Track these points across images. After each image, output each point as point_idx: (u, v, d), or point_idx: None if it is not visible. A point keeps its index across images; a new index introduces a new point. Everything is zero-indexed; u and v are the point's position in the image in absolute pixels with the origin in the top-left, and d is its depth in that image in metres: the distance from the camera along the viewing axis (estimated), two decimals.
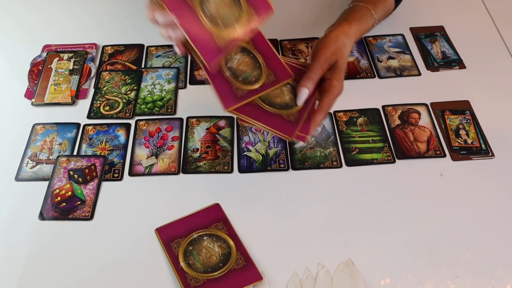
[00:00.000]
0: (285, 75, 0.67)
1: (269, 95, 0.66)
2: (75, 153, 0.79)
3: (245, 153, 0.78)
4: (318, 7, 1.00)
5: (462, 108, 0.83)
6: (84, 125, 0.82)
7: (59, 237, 0.69)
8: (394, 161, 0.77)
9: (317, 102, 0.69)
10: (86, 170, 0.75)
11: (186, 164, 0.77)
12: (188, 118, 0.83)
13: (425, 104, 0.84)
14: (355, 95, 0.85)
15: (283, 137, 0.66)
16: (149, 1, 0.58)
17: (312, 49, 0.72)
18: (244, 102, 0.65)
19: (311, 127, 0.67)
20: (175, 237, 0.68)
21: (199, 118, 0.83)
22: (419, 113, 0.83)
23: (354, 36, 0.76)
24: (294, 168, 0.76)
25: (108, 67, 0.91)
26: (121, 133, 0.81)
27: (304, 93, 0.67)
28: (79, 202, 0.72)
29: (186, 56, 0.63)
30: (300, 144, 0.78)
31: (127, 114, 0.83)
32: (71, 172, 0.75)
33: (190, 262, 0.66)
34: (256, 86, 0.66)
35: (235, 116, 0.82)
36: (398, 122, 0.82)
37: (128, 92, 0.87)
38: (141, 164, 0.77)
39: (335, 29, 0.74)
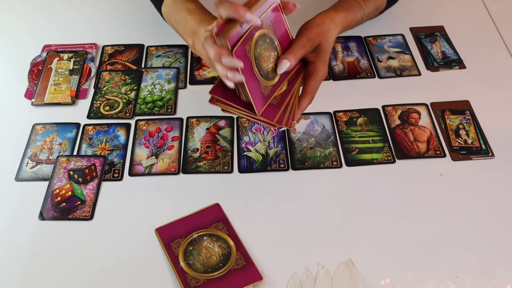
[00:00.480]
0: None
1: (260, 56, 0.64)
2: (75, 153, 0.79)
3: (245, 153, 0.78)
4: (318, 7, 1.00)
5: (462, 108, 0.83)
6: (84, 125, 0.82)
7: (59, 237, 0.69)
8: (394, 161, 0.77)
9: (301, 88, 0.70)
10: (86, 170, 0.75)
11: (186, 164, 0.77)
12: (188, 118, 0.83)
13: (425, 104, 0.84)
14: (355, 95, 0.85)
15: (266, 123, 0.66)
16: (211, 39, 0.60)
17: (298, 30, 0.71)
18: (269, 102, 0.66)
19: (297, 112, 0.68)
20: (175, 237, 0.68)
21: (199, 118, 0.83)
22: (419, 113, 0.83)
23: (341, 24, 0.76)
24: (294, 168, 0.76)
25: (108, 67, 0.91)
26: (121, 133, 0.81)
27: (284, 64, 0.66)
28: (79, 202, 0.72)
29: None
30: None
31: (127, 114, 0.83)
32: (71, 172, 0.75)
33: (190, 262, 0.66)
34: (276, 80, 0.67)
35: (235, 116, 0.82)
36: (398, 122, 0.82)
37: (128, 92, 0.87)
38: (141, 164, 0.77)
39: (321, 14, 0.75)
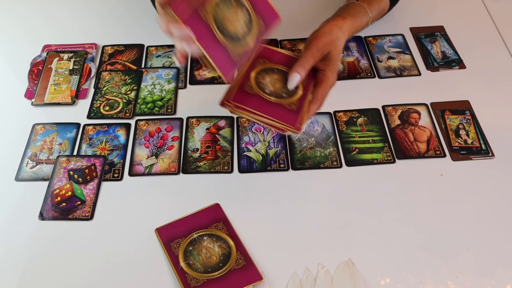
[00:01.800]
0: (273, 17, 0.65)
1: (224, 19, 0.61)
2: (75, 153, 0.79)
3: (245, 153, 0.78)
4: (318, 7, 1.00)
5: (462, 108, 0.83)
6: (84, 125, 0.82)
7: (59, 237, 0.69)
8: (394, 161, 0.77)
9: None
10: (86, 170, 0.75)
11: (186, 164, 0.77)
12: (188, 118, 0.83)
13: (425, 104, 0.84)
14: (355, 95, 0.85)
15: (286, 127, 0.66)
16: (162, 12, 0.57)
17: (306, 41, 0.73)
18: (245, 66, 0.65)
19: (305, 118, 0.68)
20: (175, 237, 0.68)
21: (199, 118, 0.83)
22: (419, 113, 0.83)
23: (348, 31, 0.77)
24: (294, 168, 0.76)
25: (108, 67, 0.91)
26: (121, 133, 0.81)
27: (295, 78, 0.68)
28: (79, 202, 0.72)
29: (185, 66, 0.64)
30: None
31: (127, 114, 0.83)
32: (71, 172, 0.75)
33: (190, 262, 0.66)
34: (249, 42, 0.63)
35: (235, 116, 0.82)
36: (398, 122, 0.82)
37: (128, 92, 0.87)
38: (141, 164, 0.77)
39: (329, 23, 0.76)
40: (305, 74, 0.68)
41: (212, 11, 0.59)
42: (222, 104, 0.67)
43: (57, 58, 0.92)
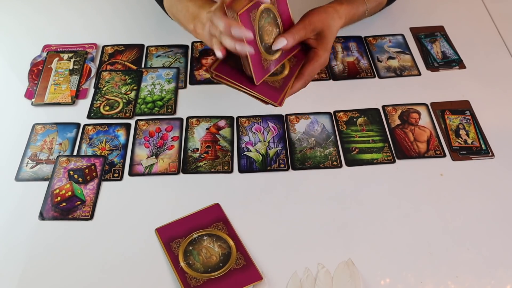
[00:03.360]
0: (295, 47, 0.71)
1: (263, 28, 0.66)
2: (75, 153, 0.79)
3: (245, 153, 0.78)
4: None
5: (462, 108, 0.83)
6: (84, 125, 0.82)
7: (59, 237, 0.69)
8: (394, 161, 0.77)
9: None
10: (86, 170, 0.75)
11: (186, 164, 0.77)
12: (188, 118, 0.83)
13: (425, 104, 0.84)
14: (355, 95, 0.85)
15: (269, 102, 0.67)
16: (220, 11, 0.62)
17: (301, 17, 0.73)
18: (268, 74, 0.67)
19: (288, 93, 0.69)
20: (175, 237, 0.68)
21: (199, 118, 0.83)
22: (419, 113, 0.83)
23: (344, 16, 0.77)
24: (294, 168, 0.76)
25: (108, 67, 0.91)
26: (121, 133, 0.81)
27: (281, 42, 0.66)
28: (79, 202, 0.72)
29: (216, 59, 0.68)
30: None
31: (127, 114, 0.83)
32: (71, 172, 0.75)
33: (190, 262, 0.66)
34: (276, 56, 0.68)
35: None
36: (398, 122, 0.82)
37: (128, 92, 0.87)
38: (141, 164, 0.77)
39: (325, 5, 0.76)
40: (292, 42, 0.67)
41: (258, 18, 0.64)
42: (206, 70, 0.68)
43: (57, 58, 0.92)
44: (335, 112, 0.83)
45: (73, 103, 0.85)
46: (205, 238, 0.68)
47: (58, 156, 0.78)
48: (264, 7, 0.64)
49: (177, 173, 0.76)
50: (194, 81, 0.88)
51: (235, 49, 0.61)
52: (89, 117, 0.83)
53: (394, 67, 0.90)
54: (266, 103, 0.68)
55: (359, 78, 0.88)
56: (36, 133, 0.81)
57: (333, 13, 0.74)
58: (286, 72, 0.70)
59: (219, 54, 0.65)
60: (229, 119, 0.82)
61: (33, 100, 0.86)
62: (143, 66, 0.91)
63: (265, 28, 0.65)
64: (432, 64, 0.90)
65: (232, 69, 0.67)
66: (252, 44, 0.63)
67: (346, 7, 0.78)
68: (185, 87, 0.88)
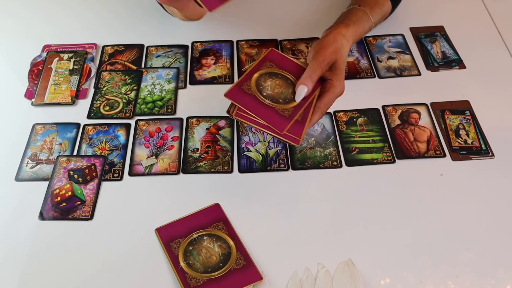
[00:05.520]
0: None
1: (267, 87, 0.68)
2: (75, 153, 0.79)
3: (245, 153, 0.78)
4: (318, 7, 1.00)
5: (462, 108, 0.83)
6: (84, 125, 0.82)
7: (59, 237, 0.69)
8: (394, 161, 0.77)
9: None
10: (86, 170, 0.75)
11: (186, 164, 0.77)
12: (188, 118, 0.83)
13: (425, 104, 0.84)
14: (355, 95, 0.85)
15: (274, 132, 0.66)
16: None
17: (310, 50, 0.74)
18: (293, 121, 0.67)
19: (307, 126, 0.68)
20: (175, 237, 0.68)
21: (199, 118, 0.83)
22: (419, 113, 0.83)
23: (351, 38, 0.78)
24: (294, 168, 0.76)
25: (108, 67, 0.91)
26: (121, 133, 0.81)
27: (302, 91, 0.68)
28: (79, 202, 0.72)
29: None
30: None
31: (127, 114, 0.83)
32: (71, 172, 0.75)
33: (190, 262, 0.66)
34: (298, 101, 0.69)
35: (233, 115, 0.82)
36: (398, 122, 0.82)
37: (128, 92, 0.87)
38: (141, 164, 0.77)
39: (332, 31, 0.75)
40: (312, 86, 0.68)
41: (254, 85, 0.68)
42: (231, 113, 0.68)
43: (57, 58, 0.92)
44: (335, 112, 0.83)
45: (73, 103, 0.85)
46: (205, 238, 0.68)
47: (58, 156, 0.78)
48: (258, 74, 0.68)
49: (177, 173, 0.76)
50: (194, 81, 0.88)
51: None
52: (89, 117, 0.83)
53: (394, 67, 0.90)
54: (280, 138, 0.68)
55: (359, 78, 0.88)
56: (36, 133, 0.81)
57: (341, 40, 0.74)
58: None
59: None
60: (229, 119, 0.82)
61: (33, 100, 0.86)
62: (143, 66, 0.91)
63: (268, 85, 0.68)
64: (432, 64, 0.90)
65: (246, 96, 0.68)
66: (257, 106, 0.66)
67: (352, 28, 0.78)
68: (185, 87, 0.88)
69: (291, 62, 0.72)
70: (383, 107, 0.84)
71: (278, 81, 0.69)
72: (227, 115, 0.82)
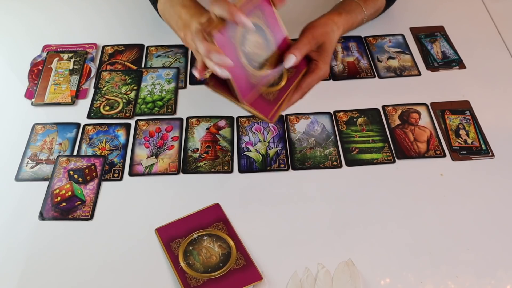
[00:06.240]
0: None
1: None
2: (75, 153, 0.79)
3: (245, 153, 0.78)
4: (318, 7, 1.00)
5: (462, 108, 0.83)
6: (84, 125, 0.82)
7: (59, 237, 0.69)
8: (394, 161, 0.77)
9: None
10: (86, 170, 0.75)
11: (186, 164, 0.77)
12: (188, 118, 0.83)
13: (425, 104, 0.84)
14: (355, 95, 0.85)
15: (260, 117, 0.66)
16: (200, 34, 0.61)
17: (302, 30, 0.73)
18: (258, 94, 0.66)
19: (285, 105, 0.69)
20: (175, 237, 0.68)
21: (199, 118, 0.83)
22: (419, 113, 0.83)
23: (342, 26, 0.78)
24: (294, 168, 0.76)
25: (108, 67, 0.91)
26: (121, 133, 0.81)
27: (291, 59, 0.67)
28: (79, 202, 0.72)
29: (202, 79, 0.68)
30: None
31: (127, 114, 0.83)
32: (71, 172, 0.75)
33: (190, 262, 0.66)
34: (268, 70, 0.67)
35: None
36: (398, 122, 0.82)
37: (128, 92, 0.87)
38: (141, 164, 0.77)
39: (324, 16, 0.76)
40: (300, 58, 0.68)
41: (239, 37, 0.63)
42: (207, 85, 0.67)
43: (57, 58, 0.92)
44: (335, 112, 0.83)
45: (73, 103, 0.85)
46: (205, 238, 0.68)
47: (58, 156, 0.78)
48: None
49: (177, 173, 0.76)
50: (194, 81, 0.88)
51: (216, 73, 0.61)
52: (89, 117, 0.83)
53: (394, 67, 0.90)
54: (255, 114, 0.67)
55: (359, 78, 0.88)
56: (36, 133, 0.81)
57: (332, 26, 0.74)
58: (283, 83, 0.70)
59: (197, 75, 0.66)
60: (229, 119, 0.82)
61: (33, 100, 0.86)
62: (143, 66, 0.91)
63: (251, 41, 0.64)
64: (432, 64, 0.90)
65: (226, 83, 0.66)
66: (234, 61, 0.62)
67: (345, 17, 0.79)
68: (185, 87, 0.88)
69: (279, 29, 0.69)
70: (383, 107, 0.84)
71: (260, 39, 0.66)
72: (227, 115, 0.82)
